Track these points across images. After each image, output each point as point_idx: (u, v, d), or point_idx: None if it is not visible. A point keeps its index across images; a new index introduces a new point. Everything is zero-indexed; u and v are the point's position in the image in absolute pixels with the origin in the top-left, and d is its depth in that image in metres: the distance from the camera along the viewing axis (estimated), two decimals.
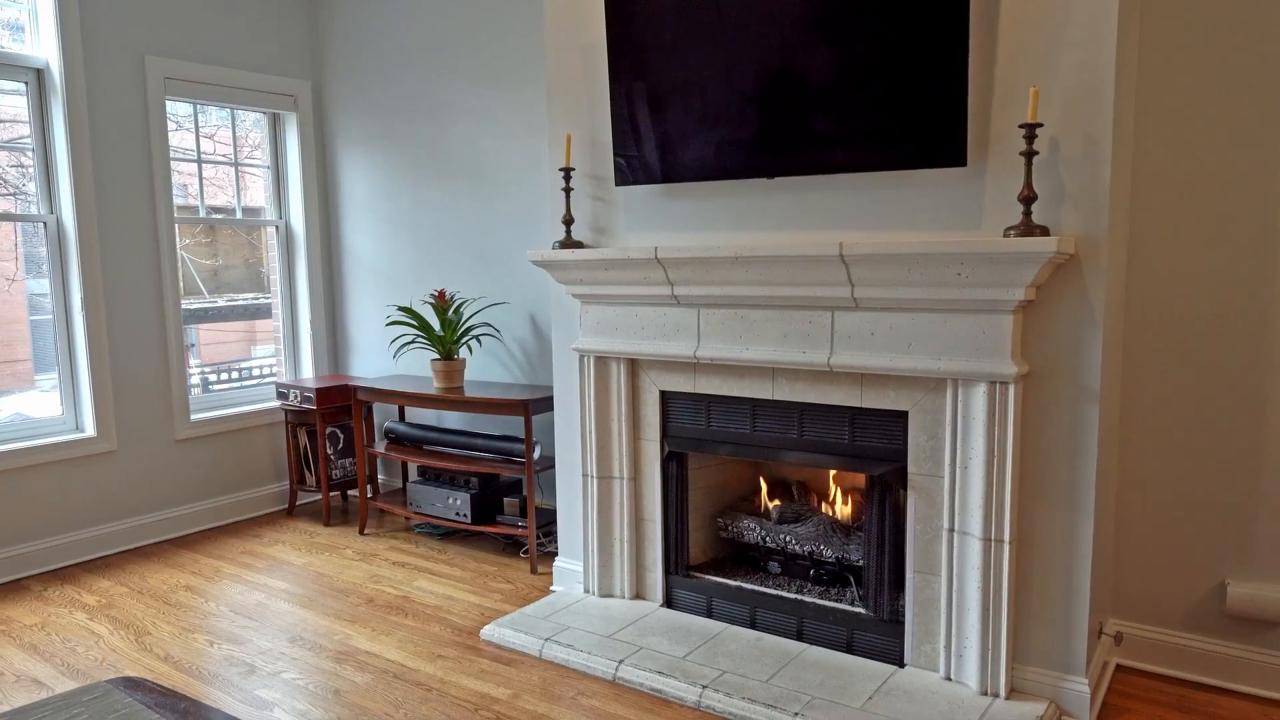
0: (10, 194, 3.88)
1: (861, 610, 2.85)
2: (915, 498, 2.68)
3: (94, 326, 3.99)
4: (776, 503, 3.25)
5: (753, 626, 3.04)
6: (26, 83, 3.84)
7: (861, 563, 2.92)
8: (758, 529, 3.17)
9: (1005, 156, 2.46)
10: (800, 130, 2.67)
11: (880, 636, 2.80)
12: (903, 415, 2.68)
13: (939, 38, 2.40)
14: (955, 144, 2.43)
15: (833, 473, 3.30)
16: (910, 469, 2.67)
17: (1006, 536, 2.51)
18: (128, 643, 3.12)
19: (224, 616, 3.35)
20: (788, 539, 3.10)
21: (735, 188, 2.94)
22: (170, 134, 4.33)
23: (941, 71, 2.41)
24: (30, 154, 3.90)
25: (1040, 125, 2.32)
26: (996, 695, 2.57)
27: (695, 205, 3.03)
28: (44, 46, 3.85)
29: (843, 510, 3.16)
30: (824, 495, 3.32)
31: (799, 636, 2.94)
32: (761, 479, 3.41)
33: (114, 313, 4.07)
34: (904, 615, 2.76)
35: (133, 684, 1.79)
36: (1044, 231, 2.32)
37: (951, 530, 2.61)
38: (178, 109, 4.41)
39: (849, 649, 2.85)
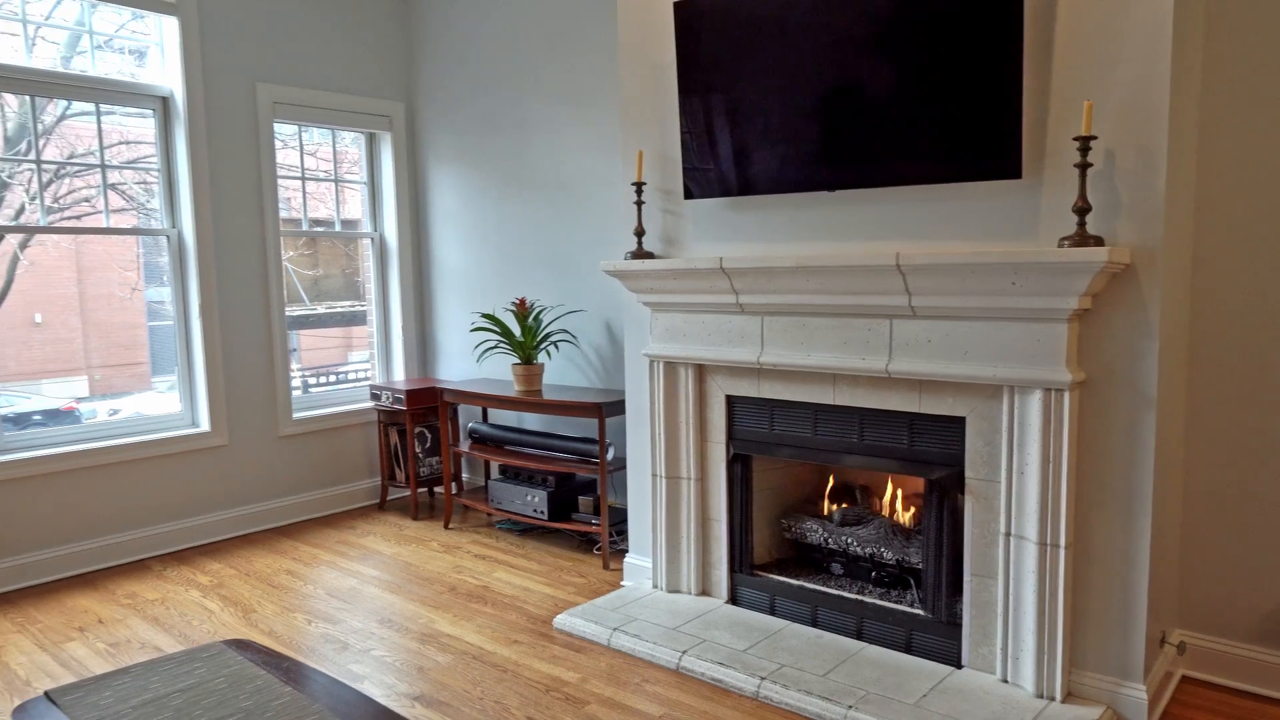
0: (134, 209, 4.27)
1: (920, 612, 2.92)
2: (973, 502, 2.74)
3: (209, 331, 4.35)
4: (839, 505, 3.34)
5: (814, 625, 3.14)
6: (154, 109, 4.24)
7: (921, 565, 2.99)
8: (820, 531, 3.27)
9: (1061, 168, 2.51)
10: (860, 144, 2.78)
11: (938, 637, 2.86)
12: (960, 421, 2.75)
13: (994, 53, 2.48)
14: (1010, 157, 2.50)
15: (893, 477, 3.37)
16: (968, 474, 2.74)
17: (1062, 541, 2.55)
18: (236, 618, 3.42)
19: (320, 598, 3.63)
20: (849, 541, 3.18)
21: (797, 200, 3.05)
22: (277, 152, 4.69)
23: (997, 86, 2.49)
24: (154, 173, 4.29)
25: (1094, 137, 2.37)
26: (1052, 699, 2.61)
27: (759, 217, 3.15)
28: (169, 77, 4.24)
29: (903, 514, 3.23)
30: (885, 499, 3.39)
31: (858, 635, 3.03)
32: (824, 482, 3.50)
33: (226, 318, 4.43)
34: (961, 617, 2.82)
35: (242, 645, 2.03)
36: (1098, 242, 2.37)
37: (1008, 534, 2.66)
38: (284, 129, 4.77)
39: (907, 649, 2.93)
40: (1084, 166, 2.37)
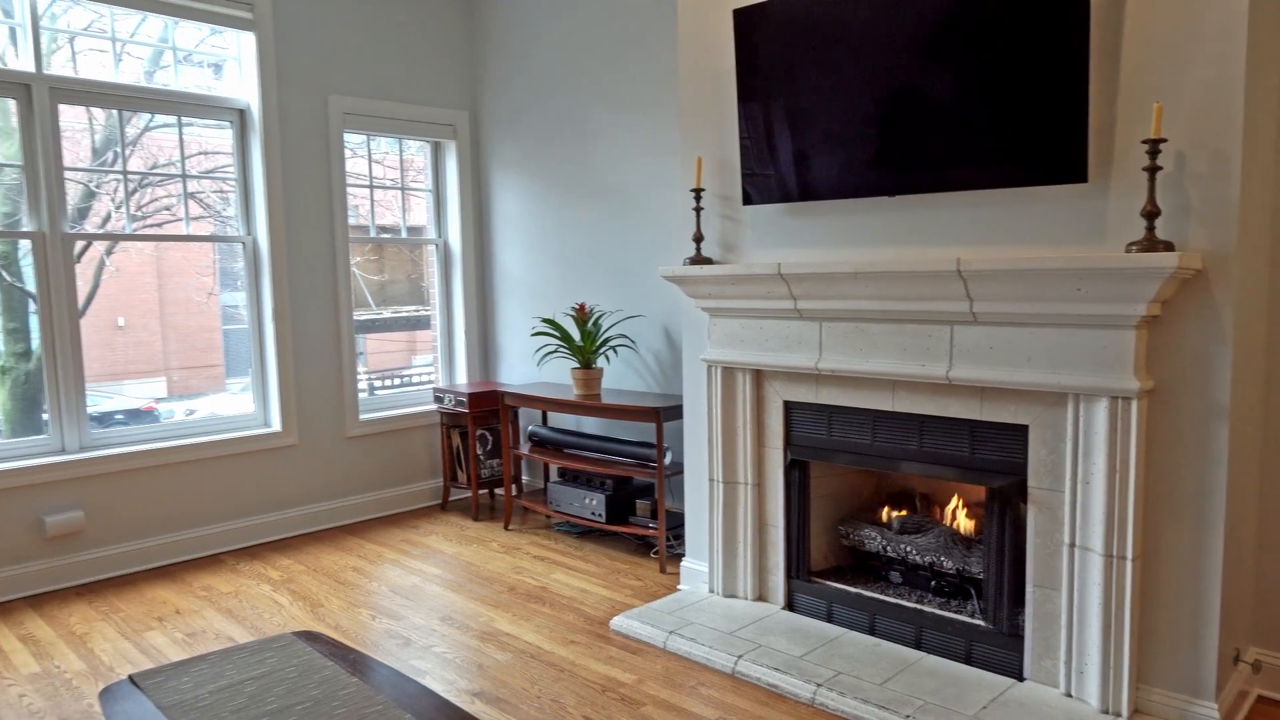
0: (211, 217, 4.45)
1: (981, 622, 2.88)
2: (1035, 511, 2.69)
3: (281, 334, 4.51)
4: (898, 513, 3.31)
5: (871, 633, 3.11)
6: (231, 121, 4.41)
7: (982, 575, 2.95)
8: (879, 538, 3.24)
9: (1128, 172, 2.46)
10: (921, 149, 2.76)
11: (999, 649, 2.82)
12: (1022, 429, 2.70)
13: (1059, 55, 2.44)
14: (1076, 160, 2.46)
15: (953, 484, 3.32)
16: (1030, 483, 2.69)
17: (1129, 553, 2.49)
18: (305, 612, 3.53)
19: (384, 595, 3.72)
20: (908, 549, 3.15)
21: (856, 205, 3.04)
22: (346, 161, 4.84)
23: (1062, 89, 2.45)
24: (231, 182, 4.46)
25: (1164, 140, 2.32)
26: (1118, 715, 2.54)
27: (818, 223, 3.15)
28: (246, 90, 4.40)
29: (964, 522, 3.19)
30: (945, 507, 3.35)
31: (917, 645, 3.00)
32: (883, 489, 3.47)
33: (297, 323, 4.58)
34: (1023, 629, 2.77)
35: (311, 637, 2.10)
36: (1168, 247, 2.32)
37: (1072, 545, 2.61)
38: (352, 139, 4.92)
39: (967, 660, 2.88)
40: (1153, 170, 2.31)
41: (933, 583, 3.12)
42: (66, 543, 3.90)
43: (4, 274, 3.85)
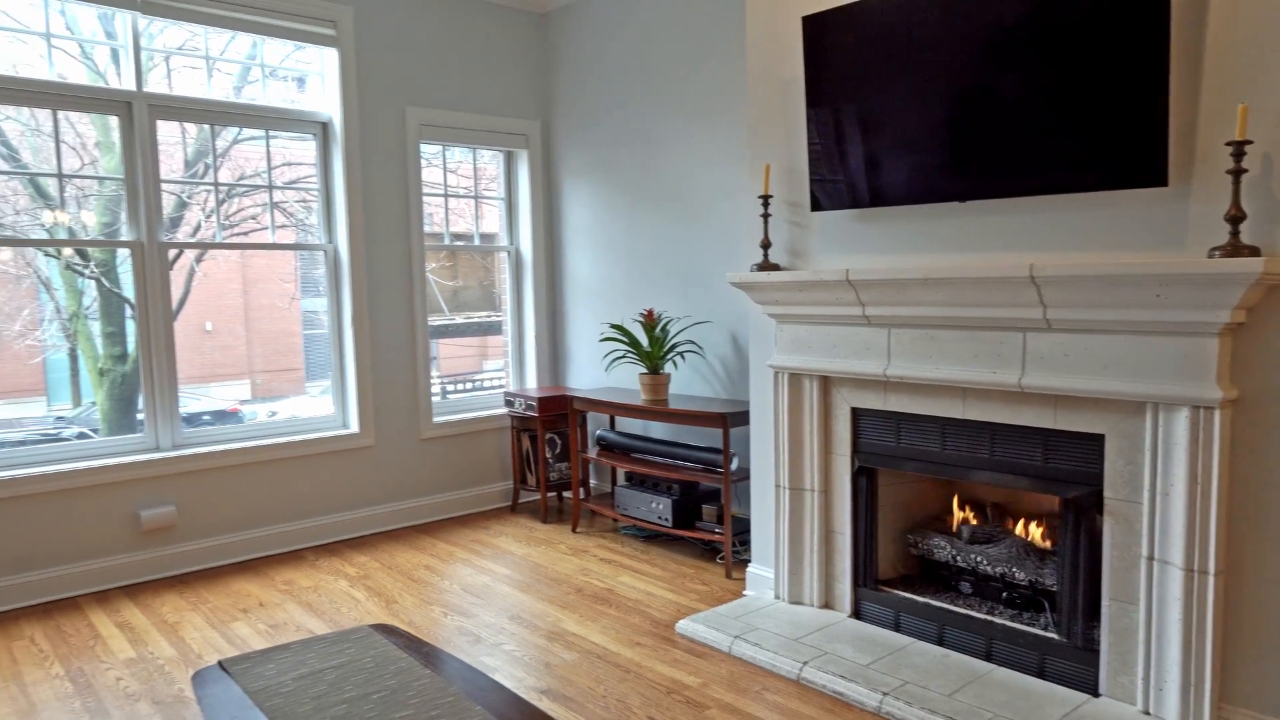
0: (293, 226, 4.63)
1: (1054, 635, 2.82)
2: (1112, 523, 2.63)
3: (360, 339, 4.66)
4: (969, 521, 3.27)
5: (940, 643, 3.07)
6: (315, 134, 4.59)
7: (1055, 587, 2.89)
8: (948, 548, 3.20)
9: (1210, 175, 2.39)
10: (993, 153, 2.73)
11: (1073, 663, 2.75)
12: (1098, 438, 2.64)
13: (1138, 57, 2.39)
14: (1156, 164, 2.40)
15: (1025, 494, 3.26)
16: (1106, 494, 2.63)
17: (1212, 568, 2.42)
18: (380, 607, 3.65)
19: (455, 593, 3.82)
20: (979, 559, 3.10)
21: (926, 211, 3.02)
22: (421, 170, 4.98)
23: (1141, 91, 2.40)
24: (313, 193, 4.64)
25: (1249, 142, 2.25)
26: None
27: (886, 229, 3.13)
28: (328, 103, 4.58)
29: (1037, 533, 3.13)
30: (1017, 517, 3.28)
31: (987, 657, 2.95)
32: (953, 498, 3.42)
33: (375, 327, 4.74)
34: (1099, 643, 2.70)
35: (387, 630, 2.19)
36: (1253, 252, 2.25)
37: (1151, 558, 2.54)
38: (428, 149, 5.06)
39: (1040, 674, 2.83)
40: (1238, 173, 2.25)
41: (1004, 594, 3.07)
42: (160, 536, 4.11)
43: (104, 281, 4.08)
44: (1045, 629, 2.86)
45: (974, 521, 3.28)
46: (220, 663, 2.16)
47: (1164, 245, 2.49)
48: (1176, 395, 2.41)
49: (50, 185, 3.91)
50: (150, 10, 3.96)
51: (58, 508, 3.84)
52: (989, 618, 2.97)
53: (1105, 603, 2.66)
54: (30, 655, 3.27)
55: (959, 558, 3.16)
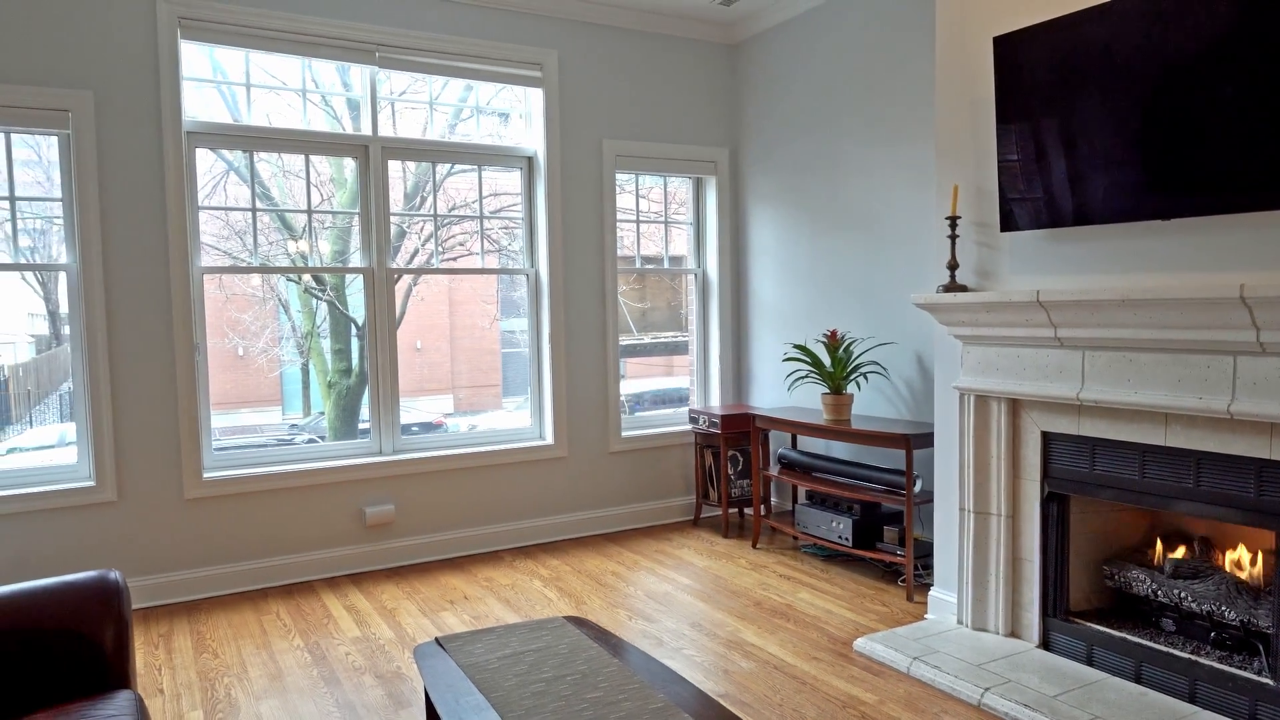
0: (496, 251, 5.04)
1: (1269, 681, 2.63)
2: None
3: (557, 357, 5.01)
4: (1176, 554, 3.09)
5: (1137, 681, 2.93)
6: (521, 167, 5.00)
7: (1270, 629, 2.69)
8: (1149, 581, 3.05)
9: None
10: (1197, 169, 2.61)
11: None
12: None
13: None
14: None
15: (1237, 527, 3.04)
16: None
17: None
18: (570, 606, 3.91)
19: (639, 599, 4.02)
20: (1183, 595, 2.94)
21: (1121, 229, 2.92)
22: (616, 198, 5.28)
23: None
24: (518, 220, 5.04)
25: None
26: None
27: (1080, 248, 3.05)
28: (533, 139, 4.98)
29: (1251, 570, 2.92)
30: (1228, 552, 3.07)
31: (1191, 699, 2.78)
32: (1154, 529, 3.24)
33: (571, 347, 5.06)
34: None
35: (579, 621, 2.39)
36: None
37: None
38: (620, 176, 5.36)
39: None
40: None
41: (1212, 634, 2.88)
42: (381, 531, 4.58)
43: (335, 303, 4.63)
44: (1259, 674, 2.67)
45: (1179, 554, 3.10)
46: (437, 639, 2.44)
47: None
48: None
49: (295, 219, 4.50)
50: (386, 64, 4.48)
51: (298, 502, 4.39)
52: (1192, 657, 2.80)
53: None
54: (277, 628, 3.76)
55: (1160, 592, 3.00)
